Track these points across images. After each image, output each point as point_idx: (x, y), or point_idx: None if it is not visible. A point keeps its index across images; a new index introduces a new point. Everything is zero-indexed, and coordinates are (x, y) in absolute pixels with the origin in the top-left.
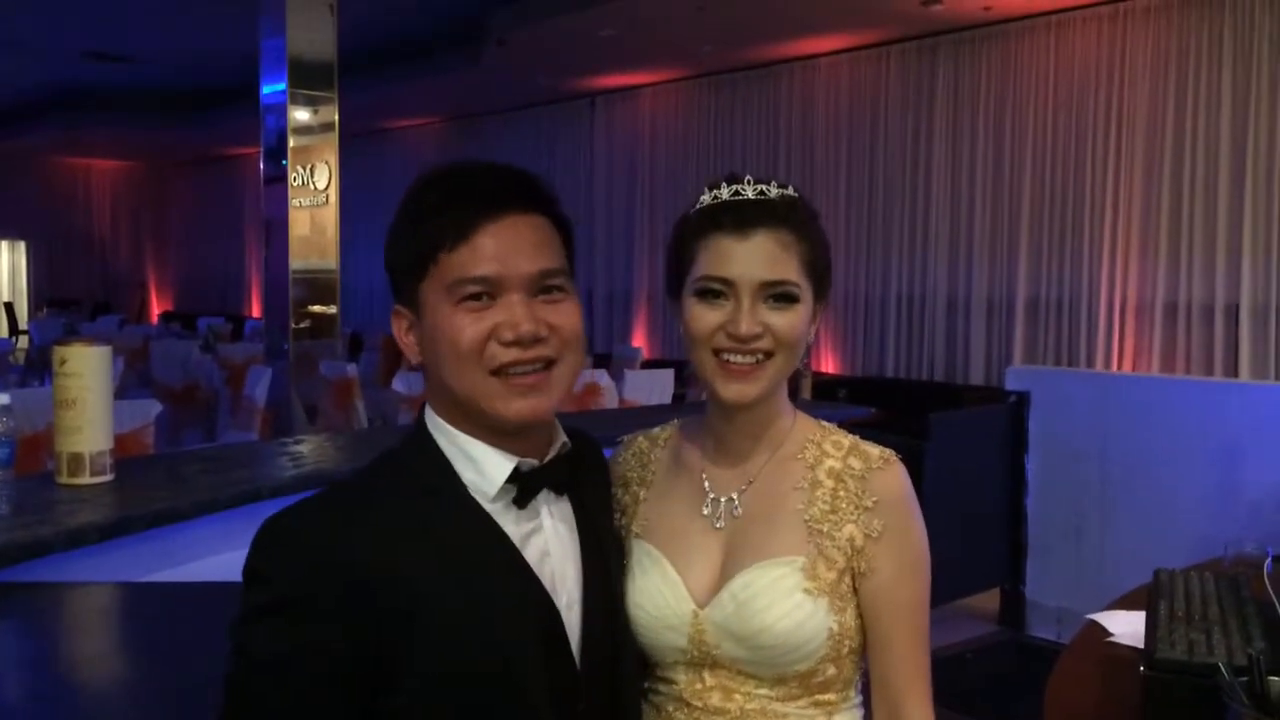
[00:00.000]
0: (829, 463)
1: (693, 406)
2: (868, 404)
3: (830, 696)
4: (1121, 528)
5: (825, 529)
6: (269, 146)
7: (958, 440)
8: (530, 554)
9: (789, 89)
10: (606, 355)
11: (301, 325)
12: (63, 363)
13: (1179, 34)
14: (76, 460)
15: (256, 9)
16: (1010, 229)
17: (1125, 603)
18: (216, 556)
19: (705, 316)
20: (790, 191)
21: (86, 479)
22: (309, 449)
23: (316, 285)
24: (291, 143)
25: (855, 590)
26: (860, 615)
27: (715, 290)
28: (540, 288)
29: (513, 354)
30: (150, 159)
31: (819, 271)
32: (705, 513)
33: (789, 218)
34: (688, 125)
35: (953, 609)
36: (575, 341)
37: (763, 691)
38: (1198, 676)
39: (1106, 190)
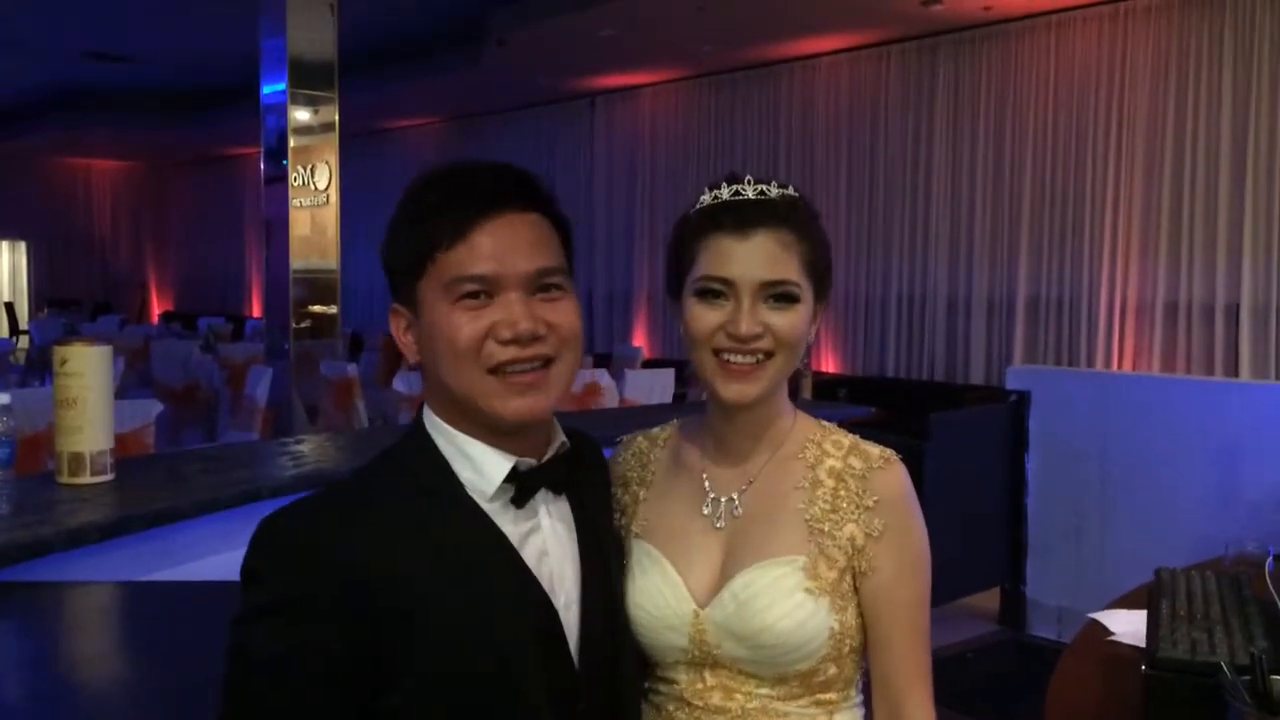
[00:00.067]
0: (829, 462)
1: (693, 406)
2: (868, 404)
3: (831, 696)
4: (1122, 527)
5: (826, 528)
6: (269, 146)
7: (958, 440)
8: (528, 554)
9: (789, 89)
10: (607, 355)
11: (302, 325)
12: (63, 362)
13: (1179, 34)
14: (77, 460)
15: (256, 9)
16: (1010, 229)
17: (1126, 602)
18: (217, 556)
19: (705, 316)
20: (791, 191)
21: (87, 478)
22: (309, 449)
23: (317, 285)
24: (292, 143)
25: (856, 589)
26: (861, 614)
27: (715, 290)
28: (538, 286)
29: (510, 352)
30: (150, 159)
31: (819, 271)
32: (705, 512)
33: (789, 218)
34: (688, 125)
35: (953, 608)
36: (573, 340)
37: (764, 691)
38: (1200, 675)
39: (1107, 190)
